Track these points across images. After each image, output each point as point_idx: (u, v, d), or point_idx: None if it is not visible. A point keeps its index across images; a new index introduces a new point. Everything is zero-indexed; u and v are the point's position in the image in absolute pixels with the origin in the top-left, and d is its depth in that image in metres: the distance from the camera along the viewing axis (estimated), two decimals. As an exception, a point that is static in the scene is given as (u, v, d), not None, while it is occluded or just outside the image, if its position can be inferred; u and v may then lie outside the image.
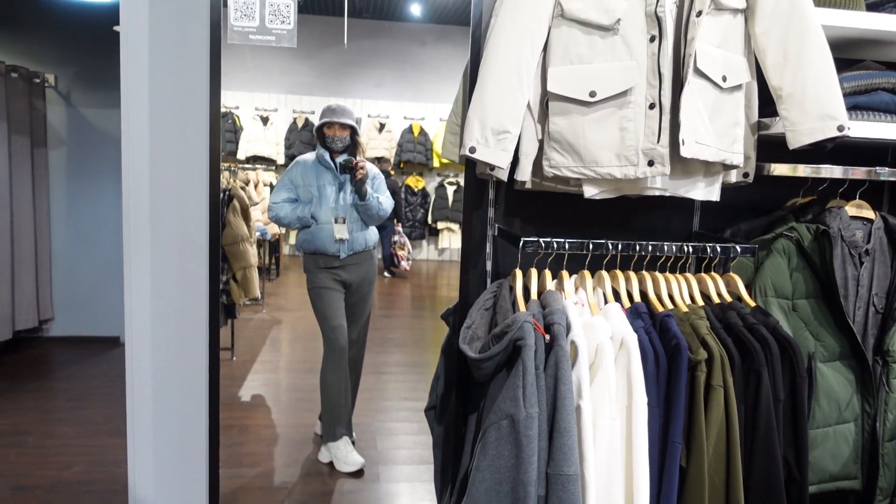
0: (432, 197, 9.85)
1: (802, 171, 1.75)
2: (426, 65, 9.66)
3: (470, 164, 1.79)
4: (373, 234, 3.24)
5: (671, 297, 1.64)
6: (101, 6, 4.58)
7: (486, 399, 1.44)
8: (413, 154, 9.49)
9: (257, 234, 5.32)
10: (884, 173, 1.79)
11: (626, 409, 1.41)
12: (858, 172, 1.78)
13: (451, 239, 9.82)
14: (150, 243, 2.10)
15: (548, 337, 1.37)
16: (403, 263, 8.50)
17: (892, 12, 1.76)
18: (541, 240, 1.56)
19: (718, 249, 1.63)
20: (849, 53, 1.93)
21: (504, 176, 1.69)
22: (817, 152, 1.61)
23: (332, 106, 3.14)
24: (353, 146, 3.16)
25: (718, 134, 1.60)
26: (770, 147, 1.77)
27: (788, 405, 1.54)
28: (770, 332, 1.52)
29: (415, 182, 9.69)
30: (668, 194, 1.66)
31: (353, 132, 3.14)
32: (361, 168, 3.01)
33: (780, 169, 1.74)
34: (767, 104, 1.67)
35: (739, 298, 1.66)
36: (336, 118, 3.08)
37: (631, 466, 1.39)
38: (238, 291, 4.24)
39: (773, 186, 1.96)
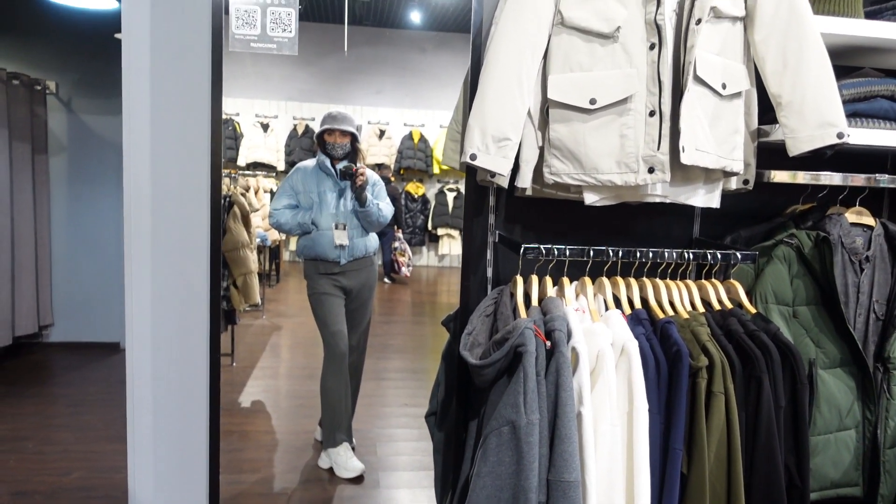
0: (432, 203, 9.86)
1: (802, 178, 1.76)
2: (426, 72, 9.69)
3: (471, 171, 1.80)
4: (373, 240, 3.24)
5: (672, 304, 1.64)
6: (102, 14, 4.60)
7: (487, 405, 1.44)
8: (413, 161, 9.51)
9: (258, 240, 5.32)
10: (883, 180, 1.79)
11: (627, 415, 1.41)
12: (858, 179, 1.78)
13: (452, 245, 9.82)
14: (151, 249, 2.10)
15: (549, 343, 1.38)
16: (404, 270, 8.50)
17: (890, 20, 1.76)
18: (541, 246, 1.56)
19: (719, 256, 1.64)
20: (848, 61, 1.94)
21: (505, 183, 1.69)
22: (817, 159, 1.61)
23: (332, 113, 3.15)
24: (354, 153, 3.17)
25: (718, 141, 1.60)
26: (770, 154, 1.77)
27: (789, 412, 1.54)
28: (771, 338, 1.52)
29: (415, 188, 9.70)
30: (668, 201, 1.66)
31: (354, 139, 3.15)
32: (361, 174, 3.02)
33: (779, 176, 1.74)
34: (767, 111, 1.68)
35: (740, 305, 1.67)
36: (337, 125, 3.09)
37: (632, 473, 1.39)
38: (238, 297, 4.24)
39: (773, 193, 1.96)
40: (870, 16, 1.81)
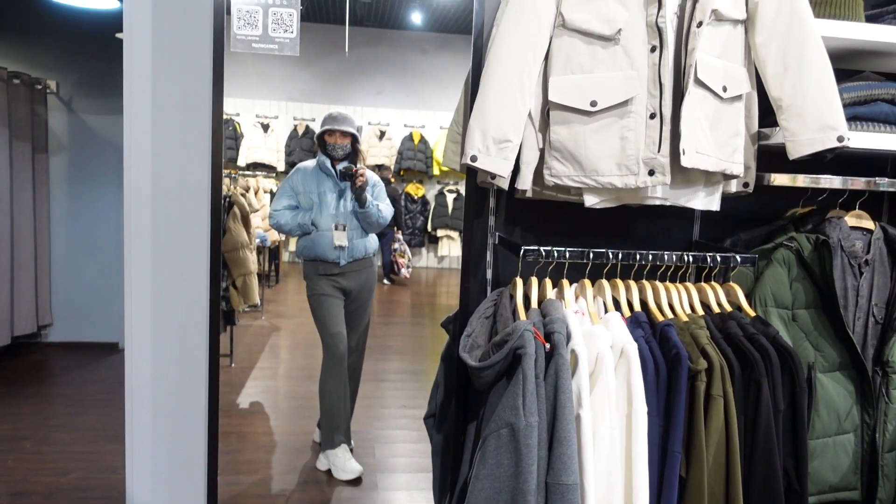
0: (432, 205, 9.86)
1: (802, 181, 1.76)
2: (427, 73, 9.69)
3: (471, 173, 1.80)
4: (373, 241, 3.24)
5: (671, 307, 1.64)
6: (103, 13, 4.60)
7: (486, 407, 1.44)
8: (413, 162, 9.51)
9: (257, 240, 5.32)
10: (883, 184, 1.79)
11: (626, 418, 1.41)
12: (858, 183, 1.78)
13: (451, 246, 9.82)
14: (151, 249, 2.10)
15: (548, 346, 1.37)
16: (403, 271, 8.50)
17: (891, 24, 1.76)
18: (541, 248, 1.56)
19: (718, 259, 1.64)
20: (848, 64, 1.94)
21: (505, 184, 1.69)
22: (817, 163, 1.62)
23: (333, 114, 3.15)
24: (354, 154, 3.17)
25: (719, 144, 1.60)
26: (770, 157, 1.77)
27: (788, 415, 1.54)
28: (770, 342, 1.52)
29: (415, 190, 9.71)
30: (668, 204, 1.66)
31: (354, 140, 3.15)
32: (361, 175, 3.02)
33: (779, 179, 1.74)
34: (767, 114, 1.68)
35: (739, 308, 1.67)
36: (337, 126, 3.09)
37: (630, 476, 1.39)
38: (237, 298, 4.24)
39: (772, 196, 1.96)
40: (870, 19, 1.82)
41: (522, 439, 1.29)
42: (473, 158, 1.55)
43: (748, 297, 1.74)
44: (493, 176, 1.61)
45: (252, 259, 4.39)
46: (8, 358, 4.60)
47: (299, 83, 9.51)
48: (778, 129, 1.63)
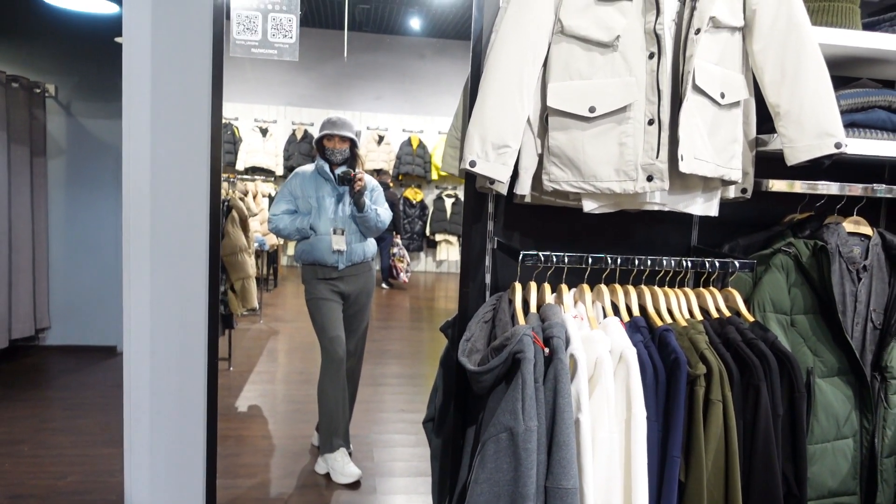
0: (430, 209, 9.88)
1: (800, 187, 1.77)
2: (425, 78, 9.72)
3: (470, 178, 1.80)
4: (371, 245, 3.25)
5: (670, 312, 1.64)
6: (102, 17, 4.61)
7: (485, 412, 1.44)
8: (412, 166, 9.52)
9: (256, 244, 5.33)
10: (880, 190, 1.80)
11: (625, 422, 1.41)
12: (855, 189, 1.79)
13: (449, 251, 9.83)
14: (150, 253, 2.10)
15: (547, 350, 1.38)
16: (402, 275, 8.50)
17: (888, 31, 1.78)
18: (540, 253, 1.56)
19: (717, 264, 1.64)
20: (846, 71, 1.95)
21: (504, 190, 1.70)
22: (815, 169, 1.62)
23: (332, 118, 3.16)
24: (353, 158, 3.18)
25: (717, 150, 1.61)
26: (768, 163, 1.78)
27: (787, 420, 1.55)
28: (769, 347, 1.52)
29: (413, 194, 9.72)
30: (666, 209, 1.67)
31: (353, 145, 3.16)
32: (360, 180, 3.02)
33: (777, 185, 1.75)
34: (765, 121, 1.69)
35: (738, 313, 1.67)
36: (336, 131, 3.10)
37: (630, 480, 1.39)
38: (236, 302, 4.24)
39: (770, 202, 1.97)
40: (868, 27, 1.83)
41: (521, 443, 1.29)
42: (472, 164, 1.56)
43: (747, 302, 1.75)
44: (492, 181, 1.62)
45: (250, 263, 4.40)
46: (6, 361, 4.59)
47: (298, 88, 9.53)
48: (776, 135, 1.64)
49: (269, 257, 7.76)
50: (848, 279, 1.80)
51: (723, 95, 1.60)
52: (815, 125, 1.56)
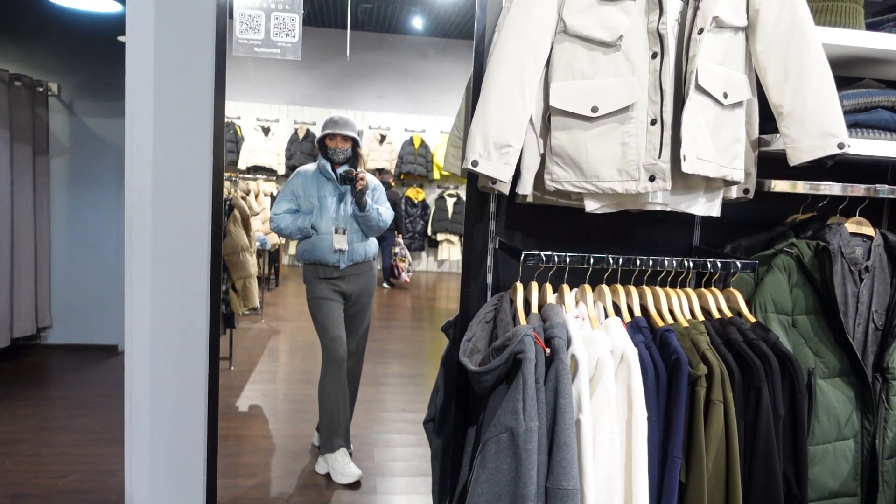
0: (432, 209, 9.87)
1: (802, 187, 1.76)
2: (428, 77, 9.71)
3: (472, 178, 1.80)
4: (373, 245, 3.25)
5: (671, 312, 1.64)
6: (104, 16, 4.61)
7: (486, 412, 1.44)
8: (413, 166, 9.52)
9: (257, 243, 5.32)
10: (883, 191, 1.80)
11: (626, 423, 1.41)
12: (858, 189, 1.79)
13: (451, 251, 9.83)
14: (152, 252, 2.11)
15: (548, 350, 1.38)
16: (404, 275, 8.50)
17: (891, 31, 1.77)
18: (542, 253, 1.56)
19: (719, 265, 1.64)
20: (849, 71, 1.95)
21: (506, 189, 1.70)
22: (817, 169, 1.62)
23: (334, 118, 3.16)
24: (355, 158, 3.18)
25: (719, 150, 1.61)
26: (770, 163, 1.78)
27: (788, 421, 1.54)
28: (770, 347, 1.52)
29: (415, 194, 9.72)
30: (668, 209, 1.67)
31: (355, 144, 3.16)
32: (361, 179, 3.02)
33: (780, 185, 1.75)
34: (768, 121, 1.68)
35: (739, 314, 1.67)
36: (338, 130, 3.10)
37: (630, 481, 1.39)
38: (237, 301, 4.24)
39: (773, 202, 1.97)
40: (871, 27, 1.82)
41: (522, 444, 1.29)
42: (474, 163, 1.55)
43: (748, 302, 1.74)
44: (494, 181, 1.62)
45: (252, 262, 4.40)
46: (7, 360, 4.59)
47: (300, 87, 9.54)
48: (778, 135, 1.64)
49: (271, 256, 7.75)
50: (850, 280, 1.80)
51: (725, 95, 1.60)
52: (817, 125, 1.55)
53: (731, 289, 1.72)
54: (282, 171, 9.22)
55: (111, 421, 3.62)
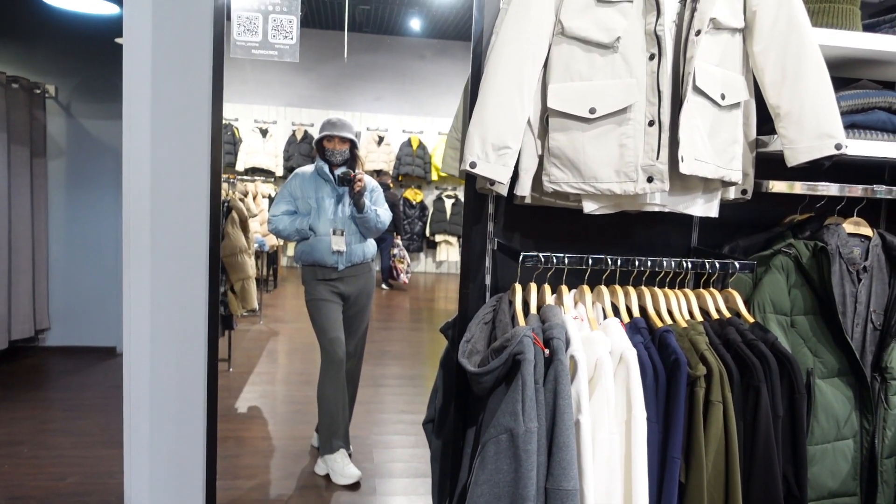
0: (430, 210, 9.88)
1: (800, 188, 1.77)
2: (425, 79, 9.73)
3: (470, 179, 1.81)
4: (371, 246, 3.25)
5: (670, 313, 1.64)
6: (102, 18, 4.61)
7: (485, 413, 1.44)
8: (412, 167, 9.53)
9: (256, 245, 5.33)
10: (881, 191, 1.80)
11: (626, 424, 1.41)
12: (855, 190, 1.79)
13: (449, 252, 9.83)
14: (150, 254, 2.10)
15: (547, 351, 1.38)
16: (402, 276, 8.50)
17: (888, 33, 1.78)
18: (540, 254, 1.56)
19: (717, 265, 1.64)
20: (846, 73, 1.95)
21: (504, 191, 1.70)
22: (815, 170, 1.62)
23: (332, 119, 3.16)
24: (353, 159, 3.18)
25: (717, 151, 1.61)
26: (768, 164, 1.78)
27: (787, 421, 1.55)
28: (769, 348, 1.52)
29: (413, 195, 9.72)
30: (666, 210, 1.67)
31: (353, 146, 3.16)
32: (359, 180, 3.03)
33: (777, 186, 1.75)
34: (766, 122, 1.69)
35: (738, 314, 1.67)
36: (336, 132, 3.10)
37: (630, 482, 1.39)
38: (236, 303, 4.24)
39: (771, 203, 1.97)
40: (868, 28, 1.83)
41: (522, 445, 1.29)
42: (472, 165, 1.56)
43: (747, 303, 1.75)
44: (492, 182, 1.62)
45: (250, 264, 4.40)
46: (5, 362, 4.59)
47: (298, 88, 9.54)
48: (776, 136, 1.64)
49: (269, 258, 7.76)
50: (848, 280, 1.80)
51: (723, 97, 1.60)
52: (815, 126, 1.56)
53: (730, 289, 1.72)
54: (280, 172, 9.23)
55: (110, 423, 3.61)
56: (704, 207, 1.71)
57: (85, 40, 4.78)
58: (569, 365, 1.39)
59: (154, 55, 2.03)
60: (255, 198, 7.02)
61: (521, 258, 1.56)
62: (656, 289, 1.67)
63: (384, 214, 3.19)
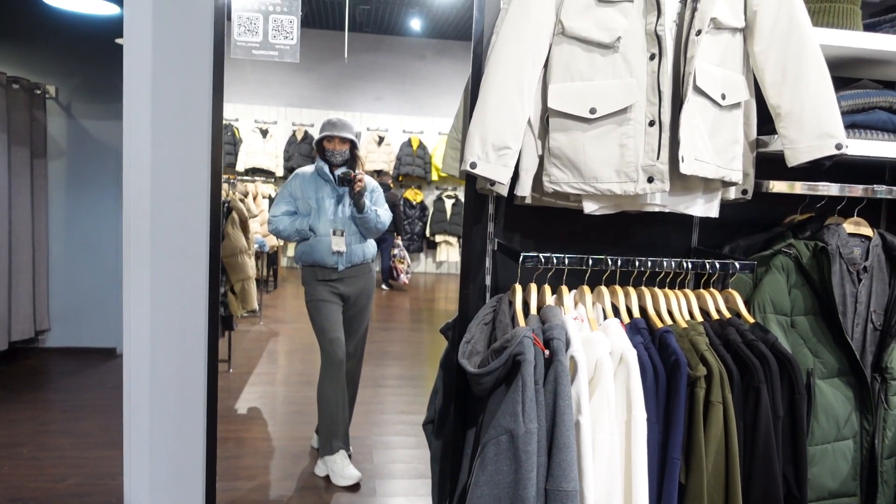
0: (430, 210, 9.88)
1: (800, 188, 1.76)
2: (425, 79, 9.72)
3: (470, 179, 1.80)
4: (371, 246, 3.25)
5: (670, 313, 1.64)
6: (102, 19, 4.61)
7: (485, 414, 1.44)
8: (412, 167, 9.52)
9: (256, 246, 5.32)
10: (881, 191, 1.80)
11: (626, 424, 1.41)
12: (856, 190, 1.79)
13: (449, 252, 9.83)
14: (150, 254, 2.10)
15: (547, 352, 1.38)
16: (403, 276, 8.50)
17: (888, 32, 1.77)
18: (540, 255, 1.56)
19: (717, 265, 1.64)
20: (846, 72, 1.95)
21: (504, 191, 1.70)
22: (815, 170, 1.62)
23: (332, 120, 3.16)
24: (353, 160, 3.18)
25: (717, 151, 1.61)
26: (768, 164, 1.78)
27: (787, 422, 1.54)
28: (769, 348, 1.52)
29: (413, 195, 9.72)
30: (667, 210, 1.67)
31: (353, 146, 3.16)
32: (359, 180, 3.02)
33: (778, 186, 1.75)
34: (766, 122, 1.69)
35: (738, 315, 1.67)
36: (336, 132, 3.10)
37: (630, 482, 1.38)
38: (236, 303, 4.24)
39: (771, 203, 1.97)
40: (868, 28, 1.83)
41: (522, 446, 1.29)
42: (473, 165, 1.55)
43: (747, 303, 1.75)
44: (493, 182, 1.62)
45: (250, 264, 4.40)
46: (5, 363, 4.59)
47: (298, 89, 9.54)
48: (776, 136, 1.64)
49: (269, 259, 7.76)
50: (848, 280, 1.80)
51: (724, 97, 1.60)
52: (815, 126, 1.56)
53: (730, 290, 1.72)
54: (280, 172, 9.22)
55: (110, 424, 3.61)
56: (705, 208, 1.71)
57: (85, 41, 4.78)
58: (569, 366, 1.39)
59: (154, 55, 2.03)
60: (255, 198, 7.02)
61: (521, 259, 1.55)
62: (656, 289, 1.67)
63: (384, 215, 3.19)
